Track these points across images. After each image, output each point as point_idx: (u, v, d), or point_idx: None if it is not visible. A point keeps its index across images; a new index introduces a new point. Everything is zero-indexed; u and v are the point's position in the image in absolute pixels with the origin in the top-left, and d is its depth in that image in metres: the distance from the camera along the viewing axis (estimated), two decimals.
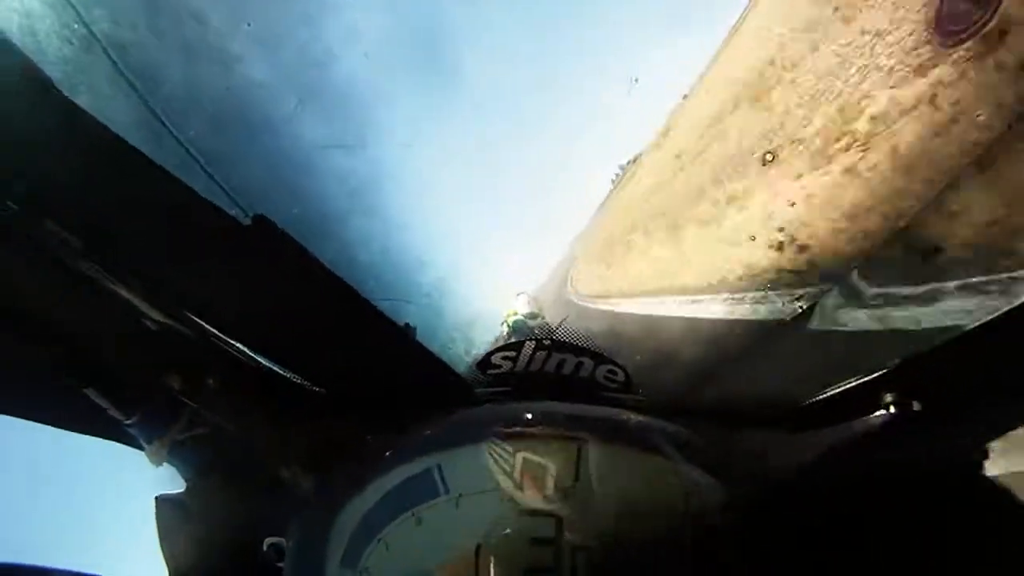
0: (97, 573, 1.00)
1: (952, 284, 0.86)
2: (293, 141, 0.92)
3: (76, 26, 0.80)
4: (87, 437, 0.96)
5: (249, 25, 0.90)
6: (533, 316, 0.97)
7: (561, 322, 0.98)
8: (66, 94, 0.77)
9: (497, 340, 0.99)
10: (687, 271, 1.05)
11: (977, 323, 0.87)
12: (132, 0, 0.86)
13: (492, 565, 0.90)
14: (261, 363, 0.90)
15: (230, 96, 0.91)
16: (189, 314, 0.85)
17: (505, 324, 0.99)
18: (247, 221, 0.85)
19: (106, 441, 0.96)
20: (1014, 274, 0.82)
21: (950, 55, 0.87)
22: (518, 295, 1.01)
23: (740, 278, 1.01)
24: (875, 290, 0.92)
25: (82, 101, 0.77)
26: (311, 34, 0.93)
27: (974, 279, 0.84)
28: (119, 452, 0.95)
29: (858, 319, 0.90)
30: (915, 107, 0.90)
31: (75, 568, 0.98)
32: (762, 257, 1.02)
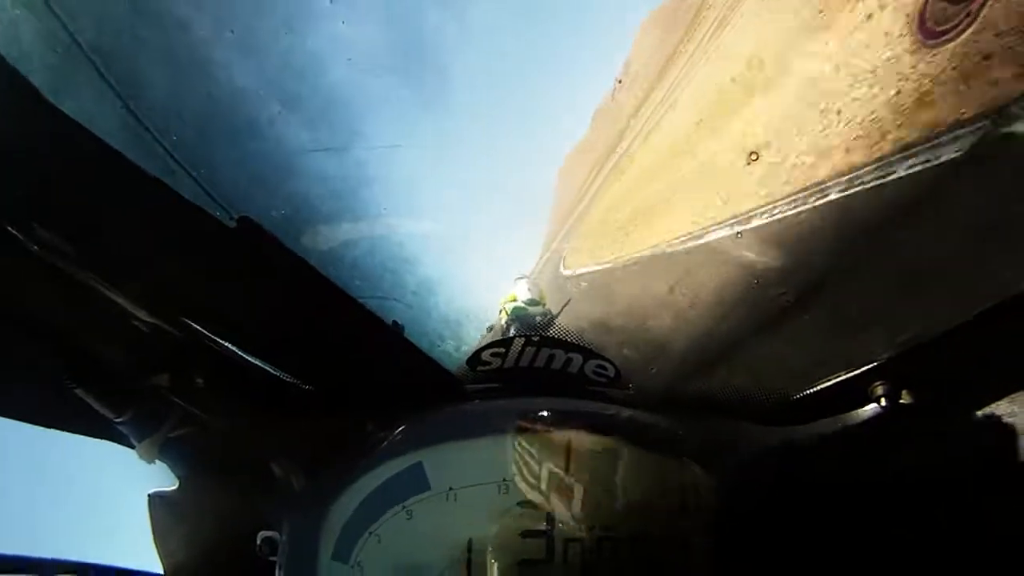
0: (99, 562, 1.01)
1: None
2: (277, 145, 0.93)
3: (60, 34, 0.81)
4: (80, 436, 0.98)
5: (232, 33, 0.92)
6: (534, 303, 0.96)
7: (564, 305, 0.98)
8: (51, 100, 0.78)
9: (492, 331, 1.00)
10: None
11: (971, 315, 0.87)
12: (116, 9, 0.88)
13: (484, 558, 0.91)
14: (250, 362, 0.91)
15: (214, 102, 0.92)
16: (177, 315, 0.86)
17: (503, 312, 0.98)
18: (232, 223, 0.86)
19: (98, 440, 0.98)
20: None
21: (933, 55, 0.87)
22: (517, 280, 1.00)
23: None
24: None
25: (66, 107, 0.78)
26: (295, 41, 0.94)
27: None
28: (111, 450, 0.97)
29: None
30: (897, 107, 0.90)
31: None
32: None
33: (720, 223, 1.04)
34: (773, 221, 1.01)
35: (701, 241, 1.05)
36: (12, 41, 0.78)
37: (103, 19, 0.85)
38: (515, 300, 1.01)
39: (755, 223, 1.00)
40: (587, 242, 1.10)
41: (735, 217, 1.02)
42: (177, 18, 0.89)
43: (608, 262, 1.07)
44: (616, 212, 1.12)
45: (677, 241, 1.06)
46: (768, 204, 1.00)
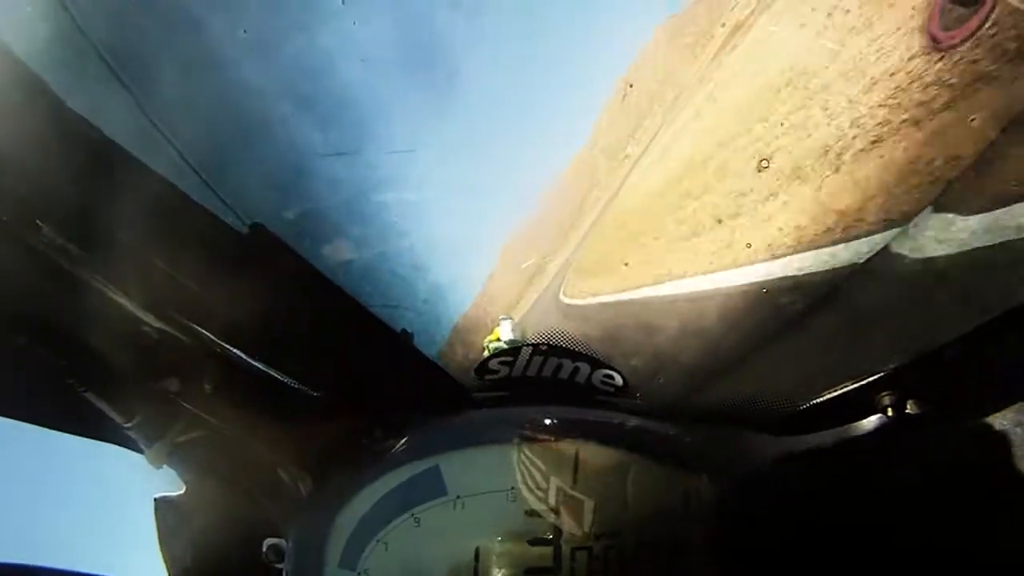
0: (99, 574, 1.00)
1: None
2: (289, 148, 0.93)
3: (72, 32, 0.80)
4: (87, 440, 0.97)
5: (245, 32, 0.91)
6: (514, 344, 0.97)
7: (546, 344, 0.98)
8: (62, 99, 0.77)
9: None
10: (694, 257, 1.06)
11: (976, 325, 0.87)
12: (128, 7, 0.87)
13: (491, 566, 0.90)
14: (258, 368, 0.90)
15: (226, 103, 0.92)
16: (186, 320, 0.86)
17: (486, 350, 1.00)
18: (244, 228, 0.86)
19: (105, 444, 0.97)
20: None
21: (943, 59, 0.87)
22: (502, 320, 1.01)
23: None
24: None
25: (77, 106, 0.77)
26: (307, 41, 0.93)
27: None
28: (119, 455, 0.96)
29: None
30: (908, 112, 0.91)
31: (76, 569, 0.98)
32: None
33: (735, 263, 1.04)
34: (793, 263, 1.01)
35: (711, 287, 1.05)
36: (24, 38, 0.77)
37: (115, 17, 0.84)
38: (498, 339, 1.02)
39: (773, 265, 1.00)
40: (588, 272, 1.10)
41: (752, 255, 1.02)
42: (190, 17, 0.88)
43: (610, 295, 1.07)
44: (619, 233, 1.12)
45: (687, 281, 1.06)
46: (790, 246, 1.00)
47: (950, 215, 0.86)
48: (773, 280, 0.96)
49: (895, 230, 0.91)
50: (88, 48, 0.81)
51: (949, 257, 0.87)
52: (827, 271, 0.95)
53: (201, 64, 0.90)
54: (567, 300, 1.03)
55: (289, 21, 0.93)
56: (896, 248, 0.90)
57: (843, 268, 0.94)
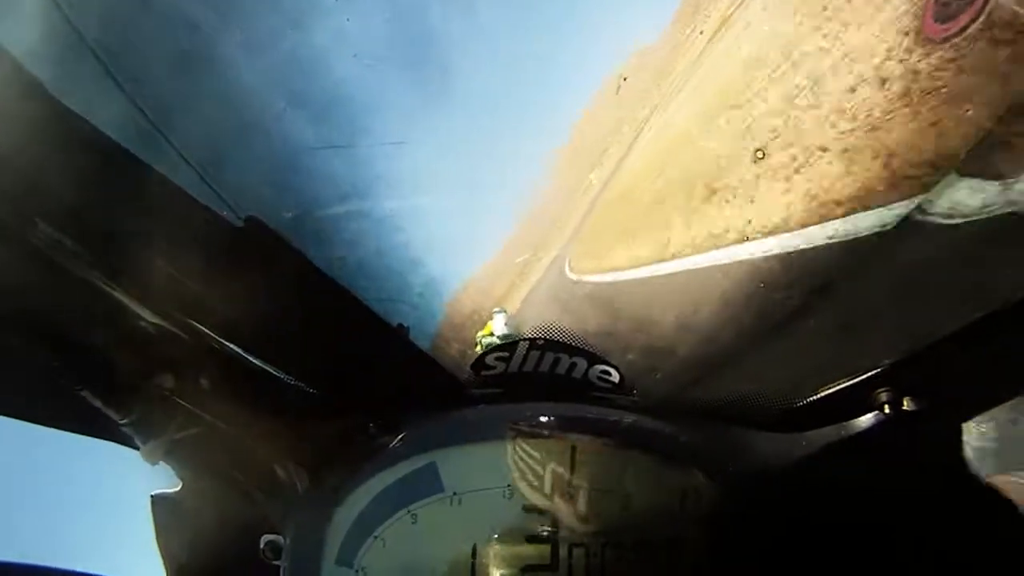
0: (96, 573, 1.00)
1: None
2: (284, 143, 0.93)
3: (65, 30, 0.81)
4: (83, 437, 0.97)
5: (240, 30, 0.91)
6: (507, 337, 0.96)
7: (542, 338, 0.98)
8: (57, 97, 0.77)
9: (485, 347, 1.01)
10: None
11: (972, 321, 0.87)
12: (122, 5, 0.87)
13: (489, 563, 0.90)
14: (255, 364, 0.90)
15: (220, 99, 0.92)
16: (182, 315, 0.86)
17: (479, 344, 0.99)
18: (239, 223, 0.86)
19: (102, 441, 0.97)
20: None
21: (937, 51, 0.87)
22: (495, 313, 1.00)
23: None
24: None
25: (72, 104, 0.77)
26: (301, 38, 0.94)
27: None
28: (114, 451, 0.96)
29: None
30: (902, 103, 0.91)
31: (74, 568, 0.98)
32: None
33: (730, 240, 1.03)
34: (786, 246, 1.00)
35: (709, 261, 1.05)
36: (16, 36, 0.77)
37: (110, 15, 0.85)
38: (491, 333, 1.01)
39: (767, 246, 1.00)
40: (593, 245, 1.09)
41: (745, 233, 1.02)
42: (185, 16, 0.89)
43: (615, 271, 1.06)
44: (621, 211, 1.11)
45: (685, 256, 1.06)
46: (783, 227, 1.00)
47: (946, 203, 0.86)
48: (769, 259, 0.96)
49: (889, 221, 0.90)
50: (82, 46, 0.82)
51: (948, 247, 0.87)
52: (822, 258, 0.95)
53: (195, 61, 0.90)
54: (564, 290, 1.03)
55: (283, 19, 0.93)
56: (891, 240, 0.90)
57: (838, 257, 0.94)
